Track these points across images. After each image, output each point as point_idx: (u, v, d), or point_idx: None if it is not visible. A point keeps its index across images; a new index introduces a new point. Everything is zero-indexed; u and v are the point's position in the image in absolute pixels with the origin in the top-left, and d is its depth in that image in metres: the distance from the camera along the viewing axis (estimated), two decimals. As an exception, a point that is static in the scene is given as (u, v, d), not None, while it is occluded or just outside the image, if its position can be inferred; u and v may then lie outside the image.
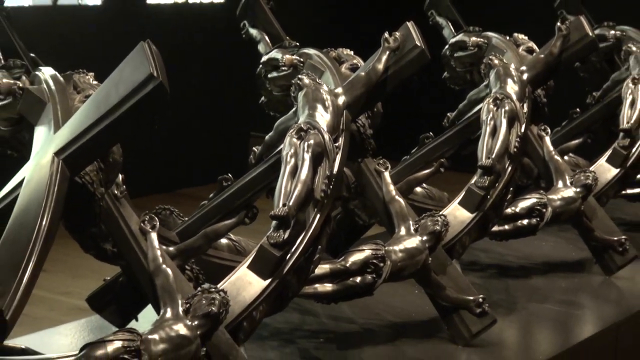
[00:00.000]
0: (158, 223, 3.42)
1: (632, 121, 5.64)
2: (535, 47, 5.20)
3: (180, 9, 10.84)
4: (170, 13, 10.72)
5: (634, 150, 5.65)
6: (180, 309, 3.19)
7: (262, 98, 4.41)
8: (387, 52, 4.10)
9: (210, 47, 10.58)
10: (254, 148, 4.25)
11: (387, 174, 4.39)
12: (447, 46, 5.29)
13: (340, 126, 3.87)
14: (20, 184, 3.06)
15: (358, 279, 4.02)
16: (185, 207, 4.09)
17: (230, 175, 4.07)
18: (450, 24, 5.45)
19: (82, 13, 9.89)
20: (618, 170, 5.63)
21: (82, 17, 9.85)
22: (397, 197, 4.36)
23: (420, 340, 4.29)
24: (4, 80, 3.45)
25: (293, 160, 3.68)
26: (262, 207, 3.91)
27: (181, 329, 3.13)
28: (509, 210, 4.92)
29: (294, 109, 4.01)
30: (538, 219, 5.00)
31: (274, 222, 3.55)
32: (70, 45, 9.04)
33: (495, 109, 4.76)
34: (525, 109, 4.84)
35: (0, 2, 3.66)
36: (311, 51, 4.28)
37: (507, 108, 4.74)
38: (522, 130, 4.77)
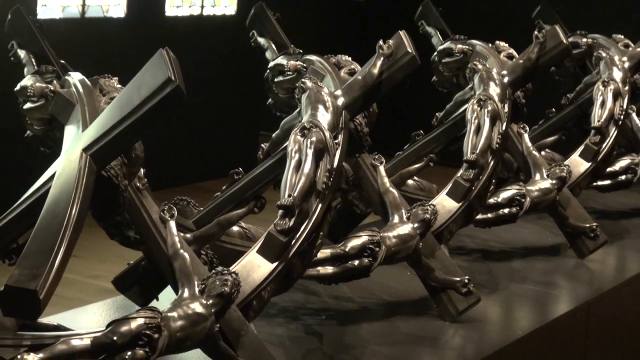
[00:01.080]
0: (176, 212, 3.42)
1: (602, 120, 5.65)
2: (514, 53, 5.20)
3: (196, 20, 10.83)
4: (186, 24, 10.71)
5: (604, 146, 5.65)
6: (197, 290, 3.20)
7: (270, 100, 4.41)
8: (382, 58, 4.10)
9: (223, 54, 10.58)
10: (262, 145, 4.26)
11: (382, 168, 4.40)
12: (435, 53, 5.29)
13: (340, 125, 3.87)
14: (52, 177, 3.06)
15: (356, 262, 4.02)
16: (201, 199, 4.09)
17: (241, 169, 4.07)
18: (438, 33, 5.45)
19: (107, 24, 9.89)
20: (590, 164, 5.63)
21: (107, 28, 9.85)
22: (391, 188, 4.37)
23: (412, 317, 4.30)
24: (37, 85, 3.46)
25: (297, 155, 3.68)
26: (269, 198, 3.91)
27: (197, 307, 3.14)
28: (491, 200, 4.92)
29: (298, 109, 4.01)
30: (518, 208, 5.00)
31: (280, 211, 3.56)
32: (96, 53, 9.04)
33: (479, 109, 4.76)
34: (506, 109, 4.84)
35: (33, 14, 3.67)
36: (313, 57, 4.28)
37: (489, 108, 4.74)
38: (503, 128, 4.77)
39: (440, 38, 5.40)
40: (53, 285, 2.69)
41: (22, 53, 3.64)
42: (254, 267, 3.51)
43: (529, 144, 5.31)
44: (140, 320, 2.97)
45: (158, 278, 3.59)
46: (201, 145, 10.68)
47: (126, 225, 3.38)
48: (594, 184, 5.86)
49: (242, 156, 4.69)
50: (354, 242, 4.04)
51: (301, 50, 4.38)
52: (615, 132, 5.73)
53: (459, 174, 4.63)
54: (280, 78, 4.32)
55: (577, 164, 5.59)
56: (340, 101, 3.96)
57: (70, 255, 2.80)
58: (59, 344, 2.91)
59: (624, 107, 5.81)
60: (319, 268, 3.96)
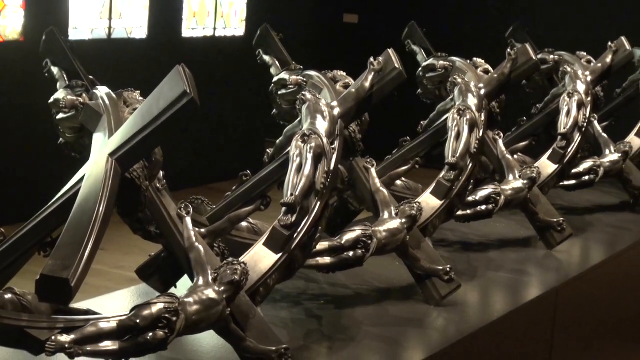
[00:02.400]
0: (192, 210, 3.42)
1: (567, 127, 5.64)
2: (490, 68, 5.20)
3: (209, 40, 10.85)
4: (200, 44, 10.73)
5: (569, 150, 5.65)
6: (210, 278, 3.20)
7: (274, 110, 4.41)
8: (372, 73, 4.10)
9: (233, 71, 10.59)
10: (267, 150, 4.26)
11: (373, 170, 4.40)
12: (420, 68, 5.29)
13: (336, 132, 3.87)
14: (82, 179, 3.06)
15: (351, 253, 4.01)
16: (214, 198, 4.09)
17: (248, 171, 4.07)
18: (422, 50, 5.45)
19: (131, 44, 9.90)
20: (557, 166, 5.62)
21: (130, 48, 9.86)
22: (381, 188, 4.37)
23: (401, 302, 4.30)
24: (69, 97, 3.47)
25: (298, 159, 3.68)
26: (274, 197, 3.91)
27: (210, 293, 3.14)
28: (470, 198, 4.92)
29: (299, 118, 4.01)
30: (494, 205, 5.00)
31: (283, 209, 3.56)
32: (121, 69, 9.05)
33: (459, 117, 4.76)
34: (483, 118, 4.84)
35: (65, 36, 3.68)
36: (312, 73, 4.28)
37: (468, 117, 4.74)
38: (481, 134, 4.77)
39: (424, 55, 5.40)
40: (83, 274, 2.69)
41: (55, 69, 3.64)
42: (261, 258, 3.51)
43: (503, 149, 5.31)
44: (161, 305, 2.98)
45: (176, 268, 3.58)
46: (214, 150, 10.69)
47: (148, 221, 3.38)
48: (561, 183, 5.85)
49: (250, 160, 4.68)
50: (349, 236, 4.04)
51: (302, 67, 4.38)
52: (579, 137, 5.73)
53: (441, 175, 4.62)
54: (283, 91, 4.32)
55: (546, 166, 5.59)
56: (336, 111, 3.96)
57: (98, 247, 2.80)
58: (89, 326, 2.92)
59: (587, 115, 5.81)
60: (318, 259, 3.95)
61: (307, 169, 3.64)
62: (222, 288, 3.16)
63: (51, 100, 3.50)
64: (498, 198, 5.01)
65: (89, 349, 2.88)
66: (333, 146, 3.79)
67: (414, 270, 4.29)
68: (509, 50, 5.17)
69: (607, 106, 6.70)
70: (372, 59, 4.13)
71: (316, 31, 12.58)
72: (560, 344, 4.85)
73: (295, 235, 3.54)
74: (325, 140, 3.75)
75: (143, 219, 3.37)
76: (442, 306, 4.25)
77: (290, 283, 3.99)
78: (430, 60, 5.26)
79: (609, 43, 6.39)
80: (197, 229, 3.40)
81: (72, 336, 2.87)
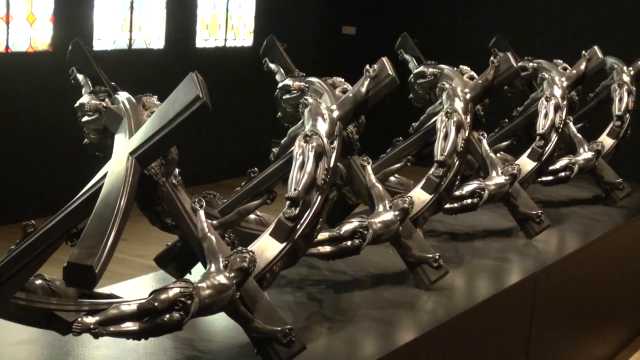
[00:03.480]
0: (205, 203, 3.42)
1: (545, 128, 5.65)
2: (475, 75, 5.20)
3: (220, 50, 10.85)
4: (212, 53, 10.73)
5: (547, 149, 5.66)
6: (221, 265, 3.20)
7: (279, 113, 4.41)
8: (368, 79, 4.10)
9: (242, 77, 10.59)
10: (273, 149, 4.26)
11: (369, 167, 4.40)
12: (411, 75, 5.29)
13: (335, 133, 3.87)
14: (104, 175, 3.06)
15: (349, 243, 4.02)
16: (224, 193, 4.09)
17: (256, 169, 4.07)
18: (414, 59, 5.45)
19: (149, 54, 9.90)
20: (536, 163, 5.63)
21: (149, 57, 9.87)
22: (376, 183, 4.37)
23: (394, 286, 4.30)
24: (93, 102, 3.47)
25: (301, 157, 3.68)
26: (279, 192, 3.91)
27: (222, 279, 3.14)
28: (457, 193, 4.92)
29: (301, 121, 4.01)
30: (478, 199, 5.01)
31: (287, 202, 3.56)
32: (140, 76, 9.05)
33: (446, 119, 4.76)
34: (468, 120, 4.84)
35: (89, 46, 3.68)
36: (314, 79, 4.28)
37: (455, 119, 4.74)
38: (466, 135, 4.78)
39: (416, 63, 5.39)
40: (106, 262, 2.69)
41: (80, 77, 3.64)
42: (267, 246, 3.51)
43: (487, 148, 5.31)
44: (177, 290, 2.98)
45: (190, 256, 3.59)
46: (224, 150, 10.70)
47: (165, 214, 3.38)
48: (539, 179, 5.86)
49: (257, 158, 4.69)
50: (347, 227, 4.04)
51: (304, 74, 4.38)
52: (556, 138, 5.74)
53: (430, 172, 4.63)
54: (287, 96, 4.32)
55: (526, 163, 5.60)
56: (335, 114, 3.96)
57: (119, 238, 2.80)
58: (111, 308, 2.92)
59: (563, 117, 5.81)
60: (319, 247, 3.95)
61: (309, 166, 3.64)
62: (232, 274, 3.17)
63: (77, 104, 3.50)
64: (482, 192, 5.02)
65: (111, 329, 2.89)
66: (332, 146, 3.79)
67: (406, 257, 4.30)
68: (492, 58, 5.16)
69: (581, 109, 6.71)
70: (367, 67, 4.13)
71: (317, 42, 12.58)
72: (539, 325, 4.86)
73: (299, 226, 3.55)
74: (325, 140, 3.75)
75: (160, 212, 3.37)
76: (432, 290, 4.25)
77: (293, 269, 3.99)
78: (421, 68, 5.27)
79: (583, 52, 6.40)
80: (209, 221, 3.40)
81: (97, 318, 2.87)
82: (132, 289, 3.74)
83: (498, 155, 5.50)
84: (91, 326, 2.84)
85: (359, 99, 4.08)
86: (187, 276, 3.64)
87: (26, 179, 8.66)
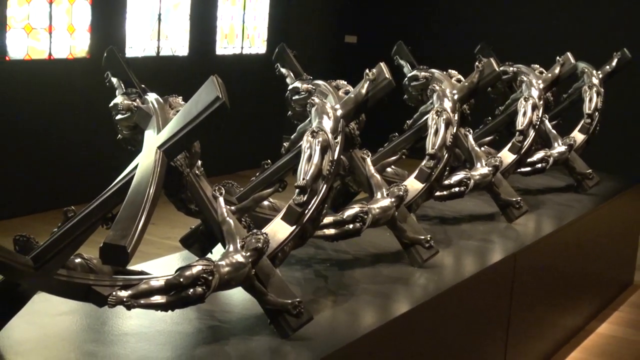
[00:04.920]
0: (224, 191, 3.42)
1: (524, 125, 5.64)
2: (462, 78, 5.18)
3: (237, 57, 10.84)
4: (231, 60, 10.71)
5: (525, 143, 5.63)
6: (239, 245, 3.20)
7: (289, 112, 4.40)
8: (368, 82, 4.09)
9: (256, 80, 10.57)
10: (284, 144, 4.26)
11: (368, 160, 4.39)
12: (406, 78, 5.27)
13: (339, 129, 3.86)
14: (135, 167, 3.06)
15: (351, 226, 4.01)
16: (241, 182, 4.09)
17: (269, 161, 4.07)
18: (408, 64, 5.43)
19: (175, 60, 9.89)
20: (515, 156, 5.60)
21: (175, 63, 9.85)
22: (375, 174, 4.36)
23: (390, 264, 4.29)
24: (125, 102, 3.46)
25: (309, 151, 3.68)
26: (290, 181, 3.91)
27: (239, 258, 3.15)
28: (446, 182, 4.91)
29: (309, 118, 4.00)
30: (465, 187, 4.99)
31: (297, 190, 3.56)
32: (167, 79, 9.03)
33: (437, 117, 4.74)
34: (456, 118, 4.82)
35: (122, 53, 3.68)
36: (320, 82, 4.27)
37: (444, 117, 4.72)
38: (454, 131, 4.76)
39: (409, 68, 5.38)
40: (137, 243, 2.70)
41: (114, 80, 3.64)
42: (279, 229, 3.51)
43: (472, 142, 5.30)
44: (199, 267, 2.99)
45: (212, 238, 3.59)
46: (241, 144, 10.69)
47: (189, 201, 3.38)
48: (518, 170, 5.85)
49: (270, 152, 4.68)
50: (349, 212, 4.04)
51: (311, 77, 4.36)
52: (533, 133, 5.71)
53: (423, 164, 4.61)
54: (297, 97, 4.30)
55: (507, 156, 5.58)
56: (339, 112, 3.95)
57: (149, 222, 2.80)
58: (142, 284, 2.93)
59: (540, 116, 5.79)
60: (324, 230, 3.95)
61: (316, 158, 3.63)
62: (248, 253, 3.17)
63: (111, 104, 3.50)
64: (468, 182, 5.00)
65: (142, 302, 2.89)
66: (336, 140, 3.79)
67: (401, 239, 4.29)
68: (477, 63, 5.15)
69: (556, 108, 6.69)
70: (367, 71, 4.12)
71: (323, 49, 12.56)
72: (519, 298, 4.85)
73: (307, 211, 3.55)
74: (330, 135, 3.75)
75: (185, 199, 3.37)
76: (424, 268, 4.25)
77: (302, 249, 3.98)
78: (414, 72, 5.25)
79: (557, 57, 6.39)
80: (228, 207, 3.40)
81: (129, 292, 2.88)
82: (160, 267, 3.74)
83: (482, 149, 5.49)
84: (124, 299, 2.85)
85: (360, 99, 4.07)
86: (209, 255, 3.64)
87: (67, 170, 8.67)
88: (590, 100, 6.60)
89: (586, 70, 6.77)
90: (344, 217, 4.02)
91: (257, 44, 11.14)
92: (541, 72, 6.19)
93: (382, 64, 4.20)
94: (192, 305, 3.03)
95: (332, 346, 3.21)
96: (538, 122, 5.76)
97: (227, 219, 3.32)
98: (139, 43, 9.38)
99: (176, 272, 2.98)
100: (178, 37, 9.92)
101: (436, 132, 4.69)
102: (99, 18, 8.75)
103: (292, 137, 4.23)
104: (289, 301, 3.24)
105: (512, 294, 4.78)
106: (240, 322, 3.37)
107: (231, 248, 3.21)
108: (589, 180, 6.41)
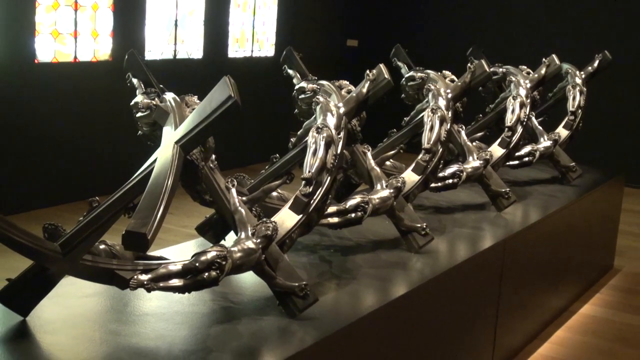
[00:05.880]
0: (236, 183, 3.42)
1: (512, 122, 5.63)
2: (455, 78, 5.17)
3: (248, 59, 10.82)
4: (242, 62, 10.70)
5: (513, 139, 5.63)
6: (250, 233, 3.20)
7: (296, 110, 4.39)
8: (368, 82, 4.08)
9: (265, 81, 10.55)
10: (291, 139, 4.25)
11: (369, 154, 4.38)
12: (403, 79, 5.26)
13: (341, 126, 3.85)
14: (155, 160, 3.06)
15: (353, 215, 4.01)
16: (252, 175, 4.10)
17: (277, 155, 4.07)
18: (405, 65, 5.42)
19: (190, 62, 9.88)
20: (505, 150, 5.60)
21: (190, 65, 9.84)
22: (375, 167, 4.35)
23: (389, 250, 4.29)
24: (145, 101, 3.45)
25: (314, 146, 3.67)
26: (296, 174, 3.91)
27: (250, 244, 3.15)
28: (440, 174, 4.90)
29: (314, 116, 3.99)
30: (458, 179, 4.99)
31: (303, 182, 3.56)
32: (183, 80, 9.02)
33: (432, 115, 4.73)
34: (450, 115, 4.82)
35: (142, 56, 3.67)
36: (324, 82, 4.26)
37: (439, 114, 4.71)
38: (448, 127, 4.75)
39: (407, 69, 5.37)
40: (156, 230, 2.70)
41: (134, 80, 3.63)
42: (287, 218, 3.51)
43: (465, 138, 5.28)
44: (214, 252, 2.99)
45: (225, 226, 3.59)
46: (252, 140, 10.68)
47: (204, 192, 3.38)
48: (507, 163, 5.85)
49: (278, 147, 4.68)
50: (351, 202, 4.03)
51: (316, 78, 4.36)
52: (521, 129, 5.70)
53: (419, 157, 4.61)
54: (303, 96, 4.30)
55: (496, 150, 5.57)
56: (342, 110, 3.95)
57: (167, 211, 2.80)
58: (161, 268, 2.93)
59: (527, 113, 5.79)
60: (328, 219, 3.95)
61: (321, 152, 3.63)
62: (259, 240, 3.17)
63: (132, 102, 3.50)
64: (461, 174, 5.00)
65: (161, 284, 2.89)
66: (339, 136, 3.78)
67: (399, 227, 4.29)
68: (469, 64, 5.14)
69: (542, 106, 6.68)
70: (367, 71, 4.12)
71: (327, 52, 12.53)
72: (507, 282, 4.85)
73: (312, 201, 3.54)
74: (333, 131, 3.74)
75: (200, 190, 3.38)
76: (420, 254, 4.25)
77: (308, 237, 3.99)
78: (411, 73, 5.24)
79: (543, 59, 6.37)
80: (239, 197, 3.40)
81: (149, 275, 2.88)
82: (178, 253, 3.74)
83: (474, 144, 5.48)
84: (145, 282, 2.85)
85: (361, 98, 4.07)
86: (222, 242, 3.64)
87: (91, 163, 8.68)
88: (574, 98, 6.59)
89: (570, 70, 6.76)
90: (347, 206, 4.01)
91: (265, 47, 11.13)
92: (528, 73, 6.18)
93: (381, 66, 4.20)
94: (207, 288, 3.03)
95: (335, 325, 3.22)
96: (525, 119, 5.75)
97: (239, 208, 3.31)
98: (157, 47, 9.37)
99: (192, 257, 2.98)
100: (193, 41, 9.91)
101: (431, 128, 4.68)
102: (121, 24, 8.74)
103: (299, 133, 4.22)
104: (296, 284, 3.24)
105: (502, 278, 4.78)
106: (251, 303, 3.38)
107: (243, 235, 3.21)
108: (573, 172, 6.41)
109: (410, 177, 4.56)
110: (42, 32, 8.00)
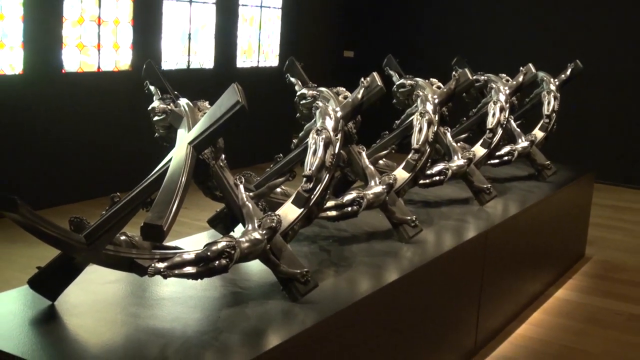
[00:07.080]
0: (244, 180, 3.42)
1: (493, 124, 5.63)
2: (441, 85, 5.15)
3: (254, 69, 10.80)
4: (248, 71, 10.68)
5: (494, 140, 5.63)
6: (256, 225, 3.20)
7: (297, 114, 4.38)
8: (363, 89, 4.07)
9: (270, 89, 10.53)
10: (293, 140, 4.24)
11: (364, 154, 4.37)
12: (394, 86, 5.25)
13: (339, 128, 3.85)
14: (170, 159, 3.06)
15: (349, 209, 4.01)
16: (258, 172, 4.09)
17: (281, 154, 4.06)
18: (396, 74, 5.41)
19: (201, 72, 9.86)
20: (486, 150, 5.60)
21: (202, 75, 9.83)
22: (369, 165, 4.34)
23: (382, 240, 4.28)
24: (161, 106, 3.46)
25: (314, 146, 3.66)
26: (298, 172, 3.90)
27: (257, 235, 3.14)
28: (428, 172, 4.90)
29: (314, 119, 3.98)
30: (444, 176, 4.98)
31: (304, 179, 3.55)
32: (195, 88, 8.99)
33: (420, 118, 4.73)
34: (437, 118, 4.81)
35: (159, 65, 3.67)
36: (323, 89, 4.25)
37: (427, 117, 4.71)
38: (435, 129, 4.74)
39: (398, 77, 5.36)
40: (172, 223, 2.70)
41: (152, 88, 3.63)
42: (289, 211, 3.51)
43: (450, 139, 5.27)
44: (224, 243, 2.98)
45: (234, 219, 3.59)
46: (258, 141, 10.67)
47: (214, 188, 3.38)
48: (489, 162, 5.84)
49: (281, 147, 4.67)
50: (348, 197, 4.03)
51: (316, 85, 4.35)
52: (501, 131, 5.70)
53: (409, 157, 4.60)
54: (304, 101, 4.29)
55: (479, 150, 5.56)
56: (339, 114, 3.94)
57: (182, 205, 2.80)
58: (176, 257, 2.92)
59: (506, 116, 5.78)
60: (327, 212, 3.95)
61: (320, 152, 3.62)
62: (264, 231, 3.16)
63: (149, 107, 3.50)
64: (447, 172, 4.99)
65: (176, 272, 2.89)
66: (337, 137, 3.78)
67: (391, 219, 4.29)
68: (454, 73, 5.13)
69: (519, 110, 6.67)
70: (362, 79, 4.11)
71: (325, 62, 12.53)
72: (489, 269, 4.84)
73: (312, 196, 3.54)
74: (332, 133, 3.74)
75: (211, 186, 3.38)
76: (410, 243, 4.24)
77: (309, 228, 3.99)
78: (401, 80, 5.23)
79: (521, 68, 6.36)
80: (247, 193, 3.40)
81: (165, 264, 2.87)
82: (191, 243, 3.74)
83: (458, 144, 5.47)
84: (161, 270, 2.85)
85: (356, 103, 4.06)
86: (231, 233, 3.63)
87: (113, 163, 8.68)
88: (549, 103, 6.58)
89: (545, 78, 6.75)
90: (344, 201, 4.01)
91: (270, 58, 11.12)
92: (507, 80, 6.17)
93: (374, 74, 4.18)
94: (217, 275, 3.02)
95: (334, 308, 3.21)
96: (505, 122, 5.75)
97: (247, 203, 3.31)
98: (172, 58, 9.36)
99: (204, 247, 2.97)
100: (205, 53, 9.90)
101: (420, 130, 4.67)
102: (140, 37, 8.74)
103: (300, 134, 4.22)
104: (298, 271, 3.24)
105: (484, 265, 4.77)
106: (258, 289, 3.37)
107: (250, 227, 3.21)
108: (548, 170, 6.41)
109: (401, 174, 4.55)
110: (69, 44, 8.00)
